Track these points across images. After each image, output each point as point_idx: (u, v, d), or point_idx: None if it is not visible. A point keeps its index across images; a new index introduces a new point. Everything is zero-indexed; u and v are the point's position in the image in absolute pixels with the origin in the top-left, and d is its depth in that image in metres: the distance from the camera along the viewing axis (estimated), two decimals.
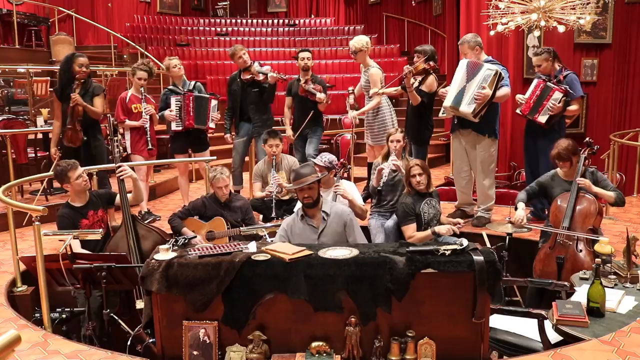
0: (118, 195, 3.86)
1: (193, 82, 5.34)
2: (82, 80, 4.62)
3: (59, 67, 4.88)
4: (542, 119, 4.69)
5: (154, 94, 6.36)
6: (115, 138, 3.86)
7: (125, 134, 5.00)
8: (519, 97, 4.86)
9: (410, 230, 3.91)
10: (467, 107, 4.47)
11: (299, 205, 3.71)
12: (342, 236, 3.52)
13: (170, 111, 5.04)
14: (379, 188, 4.33)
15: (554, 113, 4.65)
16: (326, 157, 4.18)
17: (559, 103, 4.63)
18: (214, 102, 5.18)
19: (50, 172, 4.20)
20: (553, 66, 4.80)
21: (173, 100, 5.06)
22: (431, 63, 4.72)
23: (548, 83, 4.70)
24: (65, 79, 4.63)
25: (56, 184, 5.77)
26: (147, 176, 5.42)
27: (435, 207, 4.01)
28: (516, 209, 3.97)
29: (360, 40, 5.22)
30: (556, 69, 4.81)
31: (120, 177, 3.74)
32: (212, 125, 5.23)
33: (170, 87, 5.25)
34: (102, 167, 4.40)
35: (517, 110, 4.90)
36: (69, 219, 3.63)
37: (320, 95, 5.27)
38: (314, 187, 3.46)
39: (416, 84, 4.87)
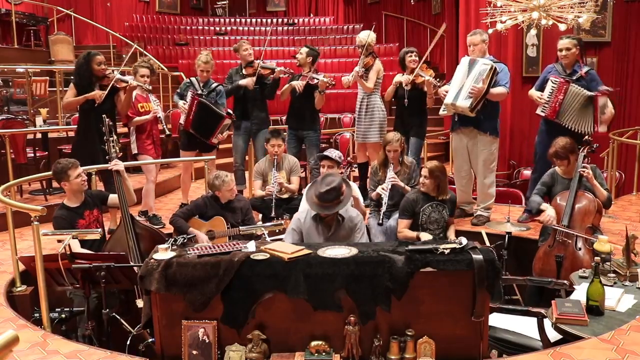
0: (110, 196, 3.88)
1: (216, 84, 5.24)
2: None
3: (75, 67, 4.81)
4: (602, 128, 4.42)
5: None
6: (111, 139, 3.84)
7: (131, 134, 4.93)
8: (533, 93, 4.67)
9: (401, 225, 3.97)
10: (463, 102, 4.48)
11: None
12: (350, 239, 3.52)
13: (184, 103, 5.02)
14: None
15: (607, 123, 4.40)
16: (336, 153, 4.19)
17: (606, 109, 4.35)
18: (226, 122, 5.10)
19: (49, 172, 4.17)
20: (576, 58, 4.52)
21: (189, 94, 5.03)
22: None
23: (574, 85, 4.39)
24: (86, 79, 4.57)
25: (55, 184, 5.77)
26: (156, 178, 5.34)
27: (442, 213, 3.97)
28: (539, 211, 3.94)
29: (371, 35, 5.34)
30: (578, 64, 4.55)
31: (114, 169, 3.76)
32: (215, 140, 5.14)
33: (193, 79, 5.21)
34: (99, 167, 4.38)
35: (540, 112, 4.59)
36: (66, 219, 3.60)
37: (319, 77, 5.30)
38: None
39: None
